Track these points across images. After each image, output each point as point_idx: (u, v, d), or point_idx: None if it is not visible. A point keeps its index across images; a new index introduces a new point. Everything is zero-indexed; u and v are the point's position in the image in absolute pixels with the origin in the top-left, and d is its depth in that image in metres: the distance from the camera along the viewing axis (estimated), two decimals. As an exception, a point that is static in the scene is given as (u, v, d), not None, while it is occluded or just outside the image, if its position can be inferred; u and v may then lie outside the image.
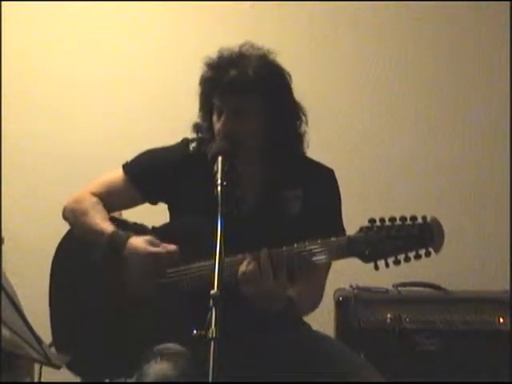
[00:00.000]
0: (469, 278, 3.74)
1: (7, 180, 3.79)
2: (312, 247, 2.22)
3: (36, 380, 3.21)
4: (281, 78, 2.43)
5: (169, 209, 2.56)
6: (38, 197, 3.82)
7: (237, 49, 2.41)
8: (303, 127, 2.48)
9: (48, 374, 2.62)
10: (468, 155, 3.85)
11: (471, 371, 3.24)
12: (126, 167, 2.55)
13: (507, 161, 3.77)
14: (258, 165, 2.46)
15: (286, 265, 2.21)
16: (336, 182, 2.51)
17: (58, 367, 2.31)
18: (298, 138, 2.48)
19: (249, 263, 2.22)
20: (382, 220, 2.15)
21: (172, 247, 2.35)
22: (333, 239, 2.21)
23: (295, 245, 2.23)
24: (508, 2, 3.79)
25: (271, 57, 2.42)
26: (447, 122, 3.87)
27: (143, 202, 2.58)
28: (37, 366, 3.16)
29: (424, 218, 2.14)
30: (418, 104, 3.88)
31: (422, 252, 2.13)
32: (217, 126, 2.40)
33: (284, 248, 2.23)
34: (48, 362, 2.24)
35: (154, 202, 2.58)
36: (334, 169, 2.52)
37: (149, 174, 2.52)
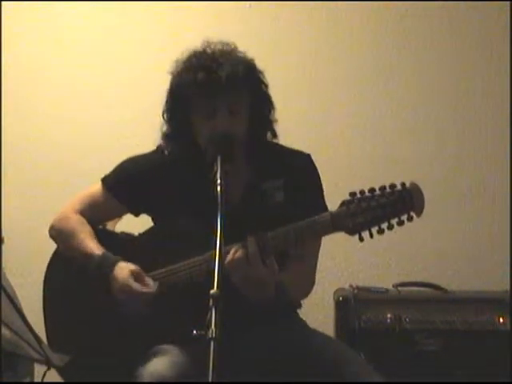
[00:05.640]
0: (469, 278, 3.74)
1: (7, 180, 3.80)
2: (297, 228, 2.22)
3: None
4: (262, 74, 2.45)
5: (152, 217, 2.56)
6: (38, 197, 3.81)
7: (209, 47, 2.42)
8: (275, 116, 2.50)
9: (47, 373, 2.61)
10: (468, 155, 3.85)
11: (471, 371, 3.24)
12: (106, 180, 2.56)
13: (507, 161, 3.77)
14: (241, 159, 2.45)
15: (273, 249, 2.21)
16: (314, 165, 2.52)
17: (57, 367, 2.31)
18: (273, 128, 2.49)
19: (236, 251, 2.21)
20: (362, 192, 2.15)
21: (149, 289, 2.33)
22: (316, 217, 2.21)
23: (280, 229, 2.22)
24: (508, 2, 3.79)
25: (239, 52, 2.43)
26: (446, 123, 3.87)
27: (127, 212, 2.59)
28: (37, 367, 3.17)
29: (403, 184, 2.14)
30: (419, 102, 3.88)
31: (404, 217, 2.12)
32: (208, 126, 2.38)
33: (269, 233, 2.22)
34: (48, 361, 2.24)
35: (136, 213, 2.58)
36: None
37: (129, 183, 2.52)
